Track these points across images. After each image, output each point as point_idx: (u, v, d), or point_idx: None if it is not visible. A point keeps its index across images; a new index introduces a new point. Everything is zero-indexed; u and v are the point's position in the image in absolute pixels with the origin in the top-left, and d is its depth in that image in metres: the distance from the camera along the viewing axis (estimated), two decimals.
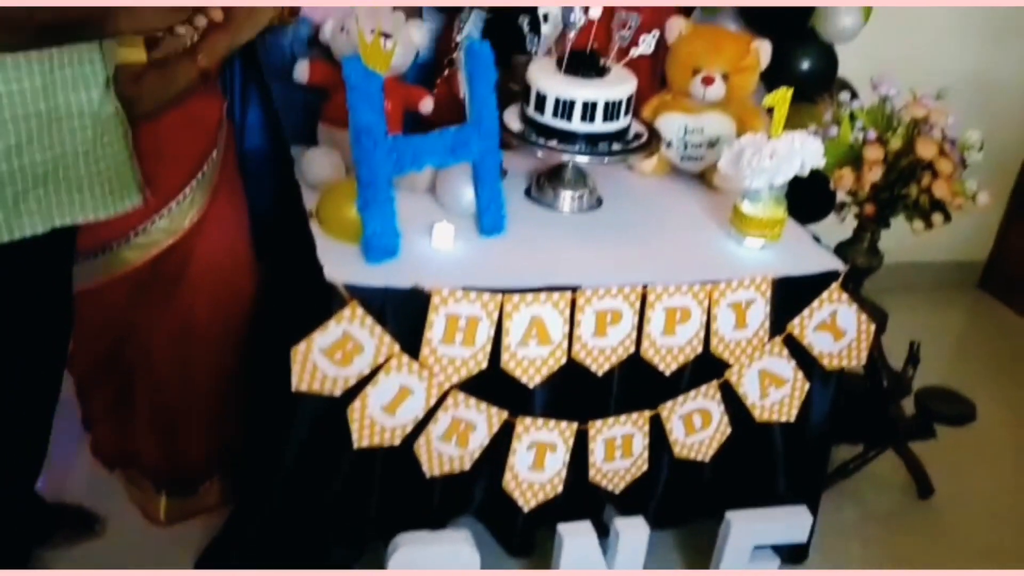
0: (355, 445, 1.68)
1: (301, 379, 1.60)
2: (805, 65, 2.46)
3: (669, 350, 1.77)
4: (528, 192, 2.04)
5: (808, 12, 2.45)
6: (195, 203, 1.88)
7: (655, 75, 2.22)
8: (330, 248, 1.70)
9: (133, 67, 1.63)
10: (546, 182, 2.02)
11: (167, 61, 1.77)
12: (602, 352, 1.73)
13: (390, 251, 1.67)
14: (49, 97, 1.40)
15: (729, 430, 1.92)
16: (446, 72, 2.18)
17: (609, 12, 1.88)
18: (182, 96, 1.80)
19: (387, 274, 1.64)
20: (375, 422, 1.67)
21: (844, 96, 2.16)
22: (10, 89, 1.35)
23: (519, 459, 1.80)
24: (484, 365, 1.67)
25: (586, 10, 1.85)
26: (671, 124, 2.11)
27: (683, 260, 1.85)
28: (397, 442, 1.71)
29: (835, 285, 1.84)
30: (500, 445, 1.79)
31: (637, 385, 1.82)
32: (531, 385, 1.71)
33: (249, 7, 1.77)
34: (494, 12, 2.28)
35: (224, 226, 1.95)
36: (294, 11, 1.89)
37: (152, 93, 1.72)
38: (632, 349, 1.74)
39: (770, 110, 1.87)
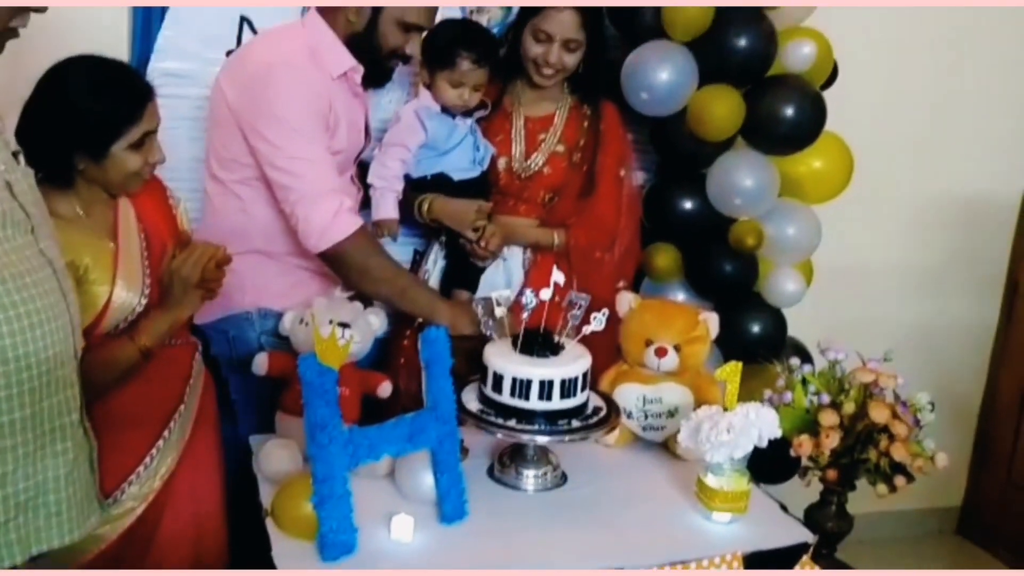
0: None
1: None
2: (755, 329, 2.54)
3: None
4: (490, 471, 2.02)
5: (752, 279, 2.56)
6: (164, 461, 1.85)
7: (610, 347, 2.27)
8: (285, 547, 1.64)
9: None
10: (508, 460, 2.00)
11: (105, 344, 1.77)
12: None
13: (347, 548, 1.61)
14: (36, 426, 1.40)
15: None
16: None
17: (560, 293, 1.95)
18: (127, 376, 1.79)
19: (344, 573, 1.58)
20: None
21: (795, 361, 2.21)
22: (0, 422, 1.35)
23: None
24: None
25: (537, 293, 1.92)
26: (629, 395, 2.13)
27: (652, 539, 1.80)
28: None
29: (805, 558, 1.79)
30: None
31: None
32: None
33: (184, 285, 1.81)
34: (451, 258, 2.43)
35: (199, 476, 1.91)
36: (222, 263, 1.90)
37: (92, 379, 1.67)
38: None
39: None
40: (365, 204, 2.37)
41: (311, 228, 2.03)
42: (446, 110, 2.33)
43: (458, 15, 2.59)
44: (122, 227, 1.85)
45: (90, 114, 1.75)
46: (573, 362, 1.91)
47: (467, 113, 2.37)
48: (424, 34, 2.23)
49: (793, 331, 2.72)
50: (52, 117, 1.74)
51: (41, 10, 1.46)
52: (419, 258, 2.56)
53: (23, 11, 1.44)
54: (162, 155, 1.87)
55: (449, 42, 2.27)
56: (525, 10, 2.46)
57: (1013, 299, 3.49)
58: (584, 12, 2.37)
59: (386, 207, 2.33)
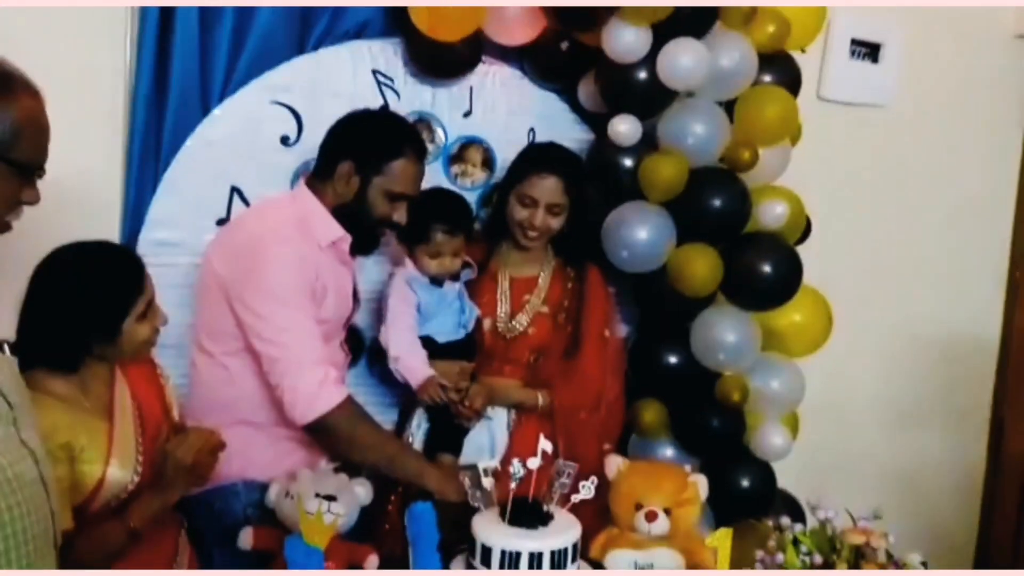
0: None
1: None
2: (744, 484, 2.53)
3: None
4: None
5: (740, 433, 2.57)
6: None
7: (599, 511, 2.25)
8: None
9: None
10: None
11: (96, 527, 1.76)
12: None
13: None
14: None
15: None
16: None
17: (548, 461, 1.95)
18: (116, 558, 1.77)
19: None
20: None
21: (785, 521, 2.19)
22: None
23: None
24: None
25: (524, 462, 1.92)
26: (620, 561, 2.09)
27: None
28: None
29: None
30: None
31: None
32: None
33: (177, 468, 1.82)
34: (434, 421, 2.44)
35: None
36: (215, 449, 1.90)
37: (81, 562, 1.67)
38: None
39: None
40: (354, 362, 2.39)
41: (296, 399, 2.04)
42: (432, 279, 2.37)
43: (444, 180, 2.67)
44: (118, 406, 1.88)
45: (96, 299, 1.80)
46: (563, 533, 1.89)
47: (454, 276, 2.41)
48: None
49: (780, 475, 2.71)
50: (58, 311, 1.79)
51: (34, 203, 1.50)
52: (403, 420, 2.56)
53: (17, 205, 1.48)
54: (165, 317, 1.93)
55: (421, 216, 2.31)
56: (510, 174, 2.55)
57: (999, 440, 3.50)
58: (567, 177, 2.46)
59: (416, 371, 2.32)
